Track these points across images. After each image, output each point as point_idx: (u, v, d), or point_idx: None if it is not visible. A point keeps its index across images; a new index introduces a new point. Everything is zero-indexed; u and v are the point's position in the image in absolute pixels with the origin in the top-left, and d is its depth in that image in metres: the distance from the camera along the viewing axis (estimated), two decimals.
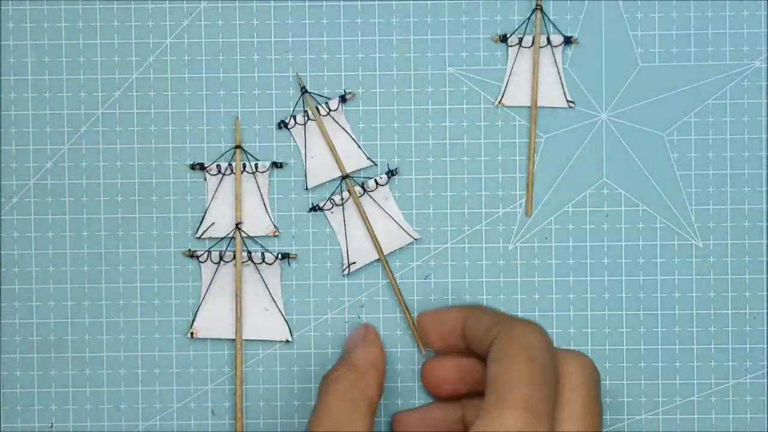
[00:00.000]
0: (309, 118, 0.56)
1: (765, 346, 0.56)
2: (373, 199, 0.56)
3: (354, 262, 0.56)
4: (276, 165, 0.55)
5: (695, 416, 0.56)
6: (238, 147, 0.55)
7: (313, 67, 0.56)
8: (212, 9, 0.56)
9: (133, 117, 0.56)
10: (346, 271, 0.56)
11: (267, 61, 0.56)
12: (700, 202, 0.56)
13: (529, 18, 0.56)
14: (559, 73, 0.56)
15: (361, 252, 0.56)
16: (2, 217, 0.56)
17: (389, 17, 0.56)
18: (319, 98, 0.55)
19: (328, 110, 0.55)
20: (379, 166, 0.56)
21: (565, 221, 0.56)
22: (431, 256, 0.56)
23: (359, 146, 0.56)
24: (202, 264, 0.55)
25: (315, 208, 0.56)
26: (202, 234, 0.55)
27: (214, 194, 0.56)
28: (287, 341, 0.56)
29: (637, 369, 0.56)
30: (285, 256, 0.56)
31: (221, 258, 0.55)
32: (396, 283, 0.55)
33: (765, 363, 0.56)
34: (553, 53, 0.56)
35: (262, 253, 0.56)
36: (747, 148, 0.56)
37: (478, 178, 0.56)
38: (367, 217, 0.56)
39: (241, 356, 0.55)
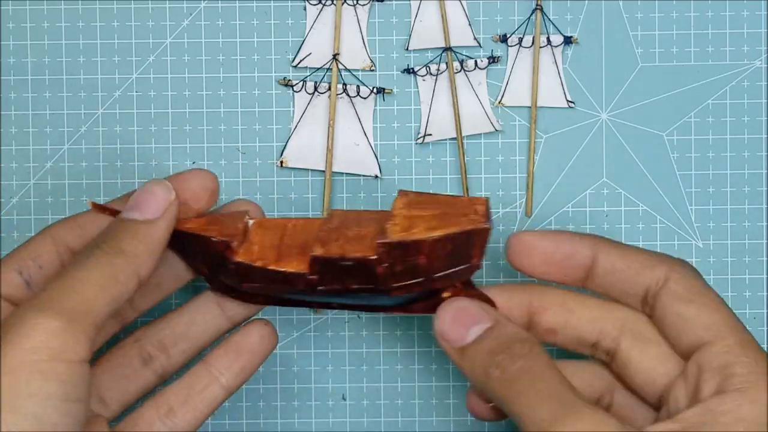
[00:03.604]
0: None
1: (765, 345, 0.56)
2: (468, 79, 0.56)
3: (430, 134, 0.56)
4: None
5: None
6: None
7: None
8: (212, 9, 0.56)
9: (133, 117, 0.56)
10: (420, 140, 0.56)
11: (267, 61, 0.56)
12: (700, 202, 0.56)
13: (529, 18, 0.56)
14: (559, 73, 0.56)
15: (440, 126, 0.56)
16: (2, 217, 0.56)
17: (389, 17, 0.56)
18: None
19: None
20: (483, 49, 0.56)
21: (565, 221, 0.56)
22: None
23: (469, 23, 0.56)
24: (296, 94, 0.56)
25: (409, 71, 0.56)
26: (299, 63, 0.55)
27: (313, 24, 0.56)
28: (376, 176, 0.56)
29: None
30: (380, 91, 0.56)
31: (316, 89, 0.55)
32: (465, 167, 0.55)
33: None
34: (553, 53, 0.56)
35: (358, 86, 0.56)
36: (747, 148, 0.56)
37: (478, 178, 0.56)
38: (456, 93, 0.56)
39: (329, 187, 0.55)
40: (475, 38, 0.56)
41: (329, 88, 0.56)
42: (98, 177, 0.56)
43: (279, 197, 0.56)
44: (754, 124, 0.56)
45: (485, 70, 0.56)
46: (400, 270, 0.46)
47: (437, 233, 0.46)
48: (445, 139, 0.56)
